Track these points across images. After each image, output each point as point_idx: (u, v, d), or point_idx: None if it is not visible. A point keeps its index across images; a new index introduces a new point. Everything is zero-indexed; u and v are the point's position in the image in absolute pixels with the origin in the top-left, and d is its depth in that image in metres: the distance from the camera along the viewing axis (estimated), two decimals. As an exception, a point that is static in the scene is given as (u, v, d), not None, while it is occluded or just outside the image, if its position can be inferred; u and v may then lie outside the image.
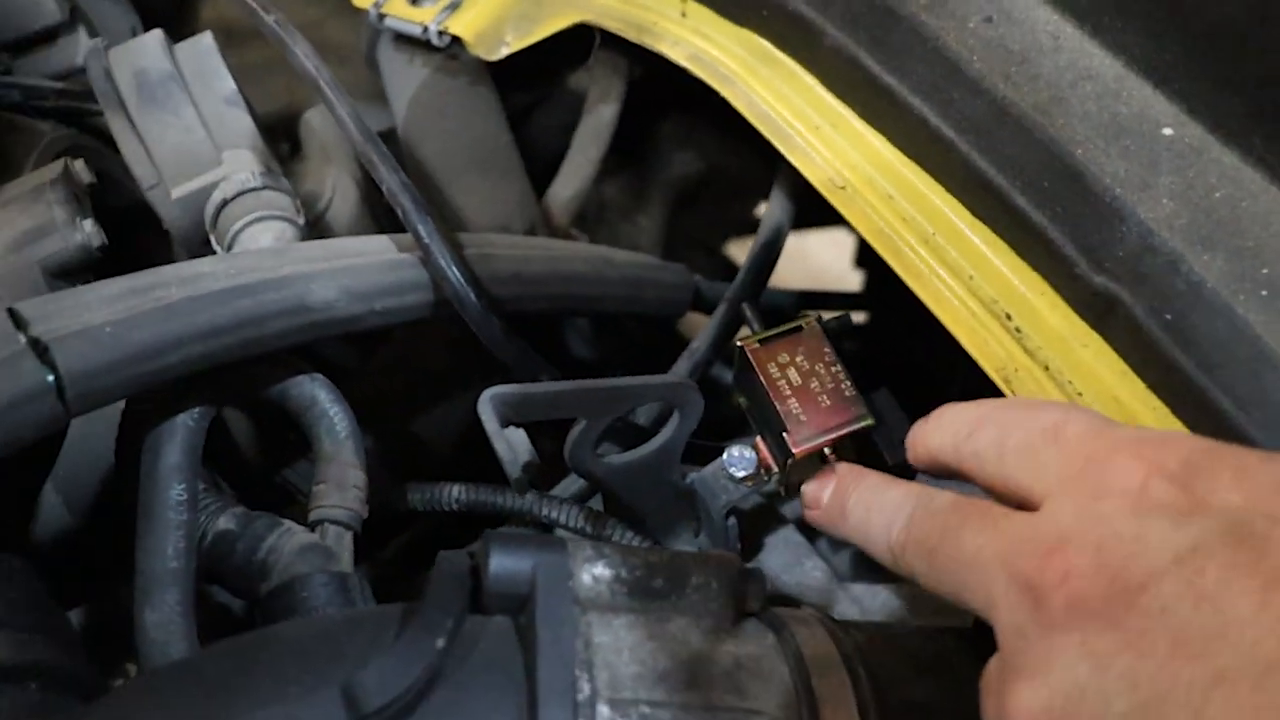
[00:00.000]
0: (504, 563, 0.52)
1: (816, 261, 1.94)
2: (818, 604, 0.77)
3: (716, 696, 0.51)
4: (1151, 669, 0.38)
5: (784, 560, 0.79)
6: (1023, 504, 0.48)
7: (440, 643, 0.48)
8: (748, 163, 1.26)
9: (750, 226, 1.64)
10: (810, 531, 0.82)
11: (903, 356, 1.25)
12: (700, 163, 1.33)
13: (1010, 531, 0.46)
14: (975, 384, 0.65)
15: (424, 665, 0.48)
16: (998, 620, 0.44)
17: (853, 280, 1.50)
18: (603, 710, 0.48)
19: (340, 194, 0.94)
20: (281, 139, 1.05)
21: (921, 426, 0.57)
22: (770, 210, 0.87)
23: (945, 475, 0.56)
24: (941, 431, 0.55)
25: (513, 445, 0.56)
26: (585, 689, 0.49)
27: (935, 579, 0.50)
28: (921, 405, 0.59)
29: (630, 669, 0.50)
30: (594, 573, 0.52)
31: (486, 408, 0.57)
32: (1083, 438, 0.47)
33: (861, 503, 0.59)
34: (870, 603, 0.77)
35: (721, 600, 0.54)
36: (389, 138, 0.96)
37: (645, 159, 1.34)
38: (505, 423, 0.57)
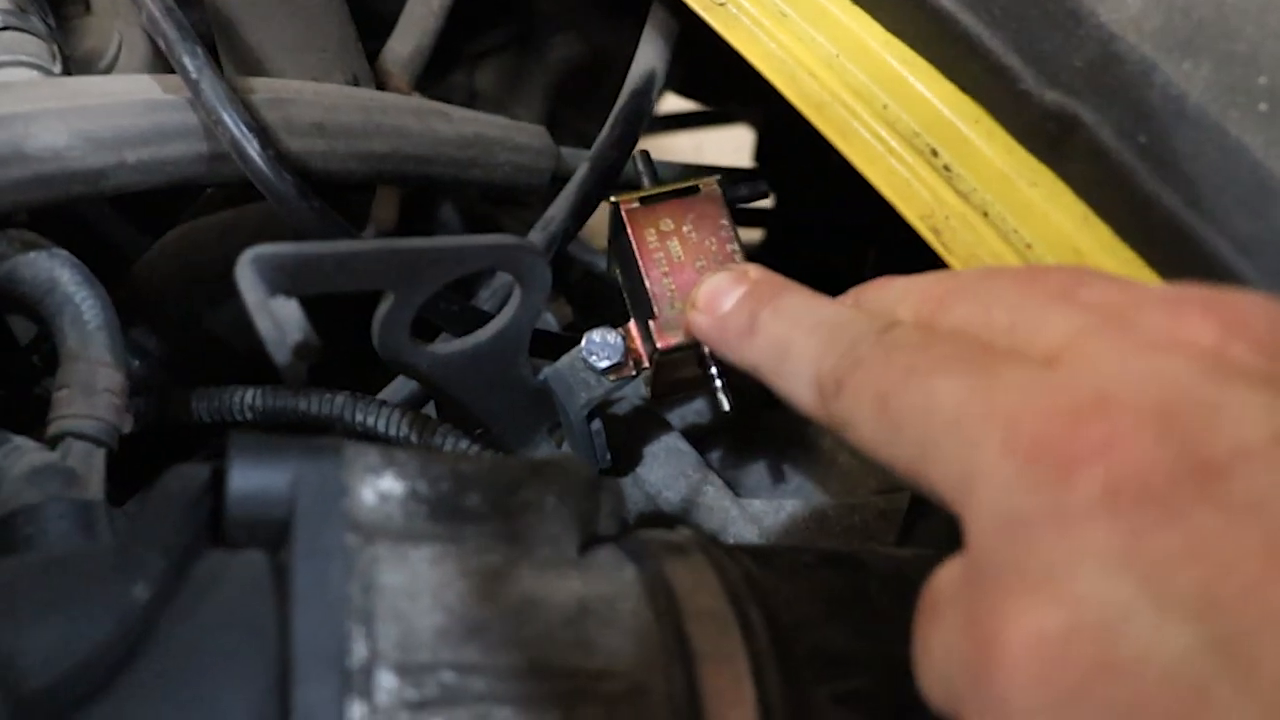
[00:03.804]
0: (251, 476, 0.37)
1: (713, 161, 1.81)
2: (707, 526, 0.64)
3: (553, 654, 0.36)
4: (1232, 590, 0.26)
5: (667, 473, 0.66)
6: None
7: (142, 593, 0.34)
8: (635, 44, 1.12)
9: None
10: (699, 439, 0.68)
11: (804, 245, 1.14)
12: (582, 44, 1.20)
13: (1016, 380, 0.31)
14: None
15: (116, 626, 0.33)
16: (977, 504, 0.30)
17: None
18: (386, 680, 0.34)
19: (127, 48, 0.78)
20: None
21: (864, 294, 0.41)
22: (641, 51, 0.72)
23: None
24: (900, 303, 0.39)
25: (279, 321, 0.40)
26: (361, 651, 0.34)
27: (885, 436, 0.34)
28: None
29: (431, 620, 0.36)
30: (380, 488, 0.38)
31: (247, 271, 0.41)
32: (1109, 293, 0.33)
33: (783, 316, 0.42)
34: (771, 521, 0.64)
35: (562, 522, 0.40)
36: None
37: (522, 41, 1.20)
38: (275, 292, 0.42)
